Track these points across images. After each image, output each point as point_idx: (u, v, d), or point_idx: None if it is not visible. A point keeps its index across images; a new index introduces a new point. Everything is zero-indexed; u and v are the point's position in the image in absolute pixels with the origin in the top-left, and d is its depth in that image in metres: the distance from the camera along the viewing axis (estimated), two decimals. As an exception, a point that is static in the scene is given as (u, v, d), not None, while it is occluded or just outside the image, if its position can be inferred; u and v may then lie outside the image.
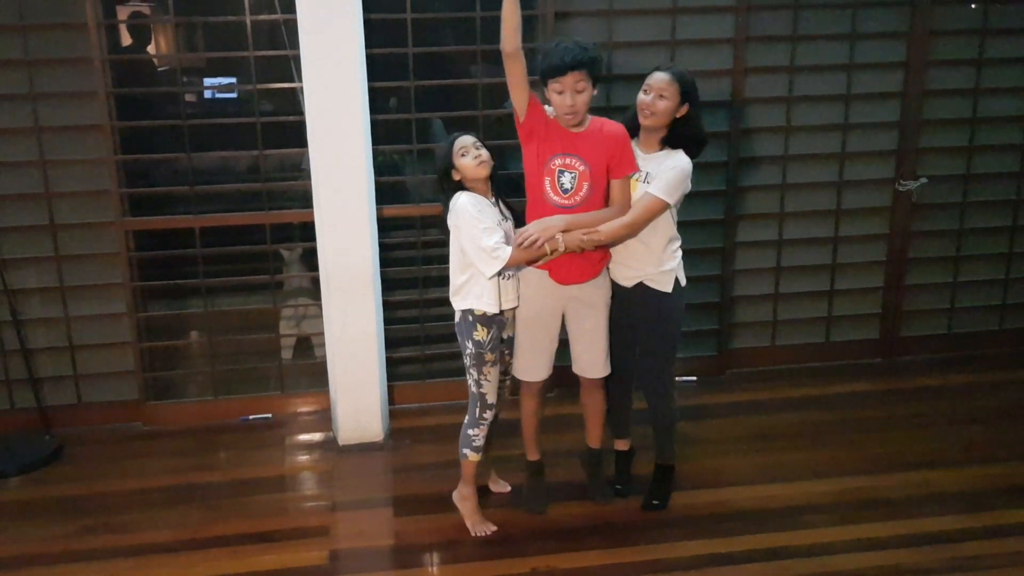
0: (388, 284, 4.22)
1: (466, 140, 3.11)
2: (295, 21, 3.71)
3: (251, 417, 4.34)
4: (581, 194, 3.07)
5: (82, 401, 4.27)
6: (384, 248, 4.19)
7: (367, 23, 3.79)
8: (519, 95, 3.01)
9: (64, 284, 4.13)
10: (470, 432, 3.30)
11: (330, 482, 3.81)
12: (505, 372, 3.40)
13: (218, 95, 4.37)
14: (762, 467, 3.80)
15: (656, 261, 3.19)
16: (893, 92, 4.51)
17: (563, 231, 3.03)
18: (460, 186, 3.12)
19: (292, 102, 4.13)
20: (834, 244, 4.67)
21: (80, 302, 4.17)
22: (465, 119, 4.23)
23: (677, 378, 4.56)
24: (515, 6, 2.89)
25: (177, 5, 3.93)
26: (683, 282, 3.27)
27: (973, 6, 4.48)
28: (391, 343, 4.29)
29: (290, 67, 4.03)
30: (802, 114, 4.48)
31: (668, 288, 3.21)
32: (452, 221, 3.11)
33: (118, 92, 4.01)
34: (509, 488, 3.63)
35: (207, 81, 4.45)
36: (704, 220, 4.51)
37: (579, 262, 3.13)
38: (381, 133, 4.08)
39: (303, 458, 4.04)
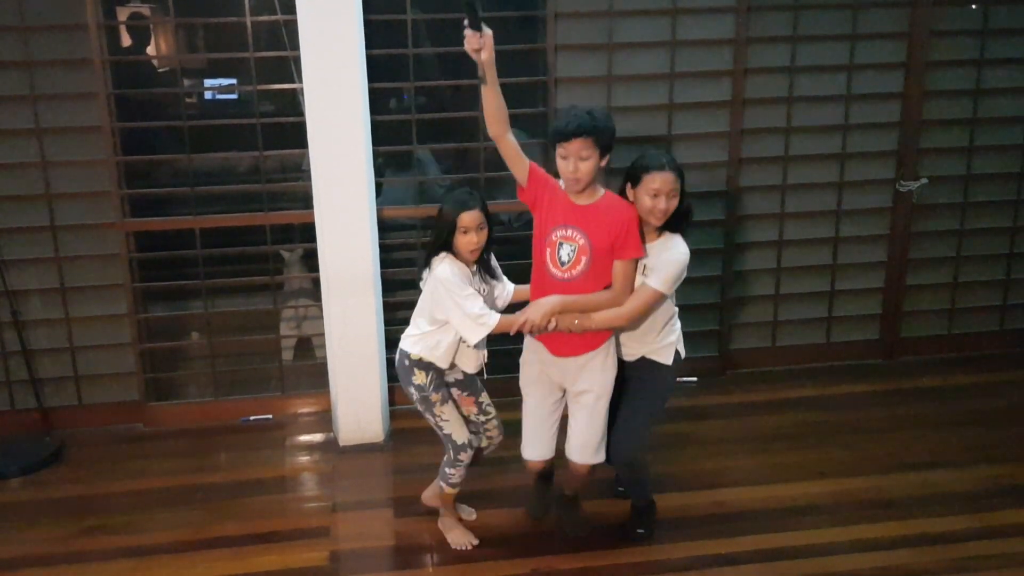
0: (388, 285, 4.22)
1: (470, 220, 2.96)
2: (295, 22, 3.71)
3: (252, 418, 4.34)
4: (579, 268, 2.92)
5: (83, 402, 4.27)
6: (384, 249, 4.19)
7: (367, 24, 3.79)
8: (517, 168, 2.95)
9: (65, 285, 4.13)
10: (447, 471, 3.23)
11: (331, 483, 3.81)
12: (490, 416, 3.34)
13: (218, 96, 4.38)
14: (762, 468, 3.79)
15: (656, 338, 3.11)
16: (894, 93, 4.51)
17: (558, 313, 2.91)
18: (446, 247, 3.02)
19: (292, 103, 4.13)
20: (834, 245, 4.67)
21: (81, 303, 4.17)
22: (467, 120, 4.24)
23: (678, 379, 4.58)
24: (492, 94, 2.88)
25: (177, 6, 3.93)
26: (683, 353, 3.19)
27: (974, 7, 4.48)
28: (391, 344, 4.28)
29: (290, 68, 4.03)
30: (802, 114, 4.48)
31: (668, 360, 3.13)
32: (429, 284, 3.03)
33: (119, 93, 4.01)
34: (474, 516, 3.48)
35: (207, 82, 4.46)
36: (705, 221, 4.51)
37: (575, 336, 2.98)
38: (382, 134, 4.08)
39: (304, 459, 4.04)
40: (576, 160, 2.85)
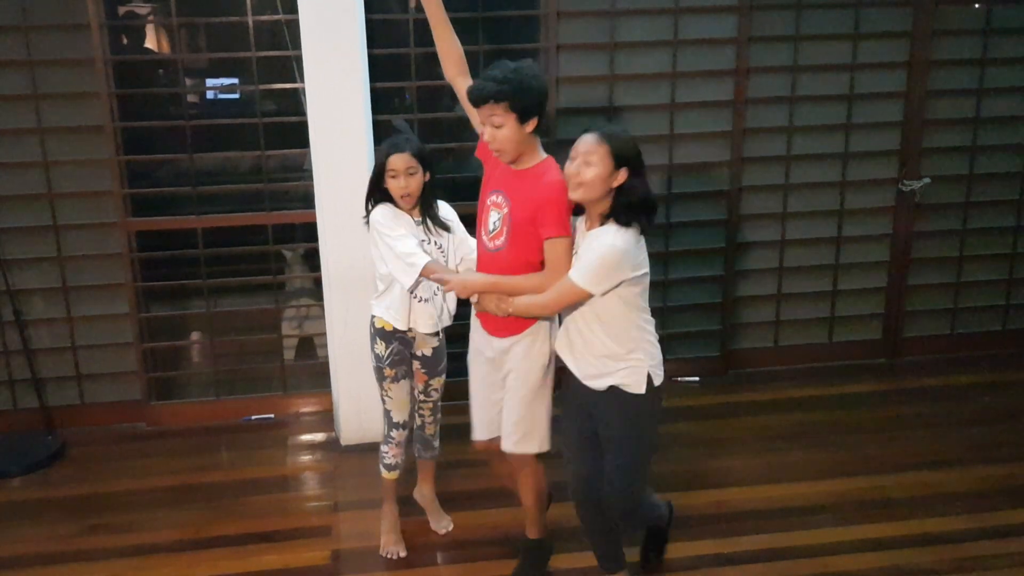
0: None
1: (398, 162, 2.91)
2: (297, 21, 3.71)
3: (253, 417, 4.34)
4: (502, 239, 2.74)
5: (85, 401, 4.27)
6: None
7: (369, 23, 3.79)
8: (473, 118, 2.83)
9: (67, 284, 4.14)
10: (382, 448, 3.22)
11: (332, 482, 3.81)
12: (429, 400, 3.28)
13: (220, 96, 4.38)
14: (765, 467, 3.79)
15: (618, 353, 2.67)
16: (896, 92, 4.50)
17: (481, 292, 2.74)
18: (387, 196, 2.98)
19: (294, 102, 4.13)
20: (837, 244, 4.66)
21: (83, 303, 4.17)
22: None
23: (680, 379, 4.60)
24: (439, 28, 2.87)
25: (179, 5, 3.93)
26: (656, 380, 2.70)
27: (976, 6, 4.48)
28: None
29: (292, 67, 4.03)
30: (805, 114, 4.47)
31: (640, 388, 2.66)
32: (370, 233, 2.99)
33: (120, 93, 4.02)
34: (448, 529, 3.40)
35: (209, 82, 4.46)
36: (707, 220, 4.51)
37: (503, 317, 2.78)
38: (384, 134, 4.08)
39: (305, 458, 4.05)
40: (491, 128, 2.65)
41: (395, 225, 2.92)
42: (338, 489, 3.74)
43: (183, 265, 4.29)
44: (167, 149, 4.22)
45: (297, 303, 4.55)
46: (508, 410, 2.87)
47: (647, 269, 2.64)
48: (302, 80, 3.85)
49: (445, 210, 3.10)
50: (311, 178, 3.96)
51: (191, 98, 4.29)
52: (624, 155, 2.55)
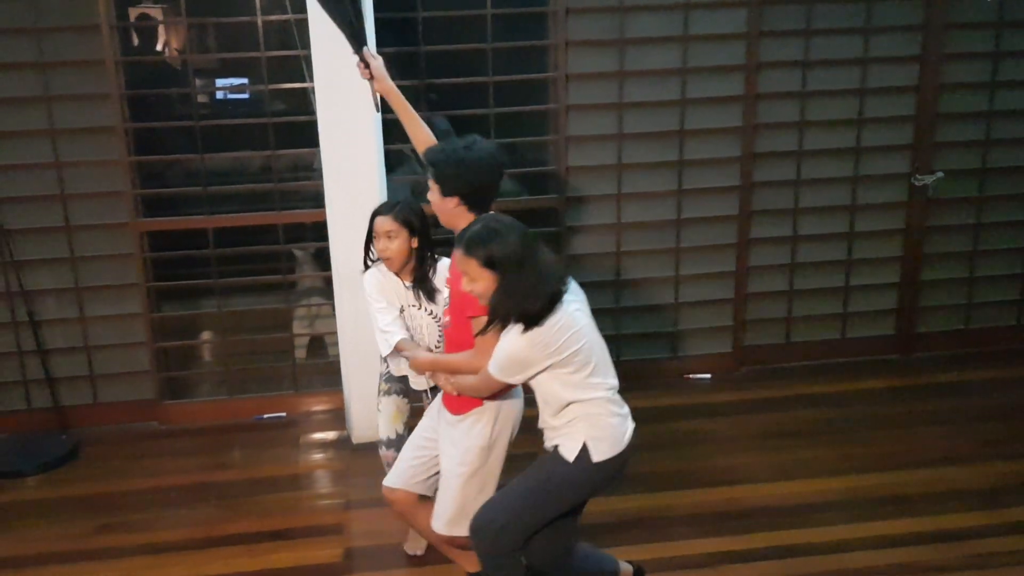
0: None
1: (379, 224, 2.93)
2: (306, 21, 3.72)
3: (265, 416, 4.36)
4: (447, 316, 2.84)
5: (98, 401, 4.29)
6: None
7: (377, 22, 3.79)
8: None
9: (80, 285, 4.16)
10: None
11: (344, 480, 3.81)
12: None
13: (230, 96, 4.39)
14: (777, 464, 3.78)
15: (556, 425, 2.60)
16: (908, 86, 4.47)
17: (426, 370, 2.80)
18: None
19: (303, 102, 4.14)
20: (849, 240, 4.64)
21: (96, 302, 4.19)
22: (476, 118, 4.24)
23: (692, 375, 4.59)
24: (406, 120, 2.96)
25: (189, 6, 3.94)
26: (595, 455, 2.54)
27: (989, -1, 4.45)
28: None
29: (301, 67, 4.04)
30: (816, 109, 4.45)
31: (569, 455, 2.55)
32: None
33: (131, 94, 4.03)
34: (419, 553, 3.27)
35: (219, 82, 4.47)
36: (718, 216, 4.49)
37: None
38: (393, 132, 4.08)
39: (317, 456, 4.05)
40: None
41: (378, 295, 2.98)
42: (350, 487, 3.74)
43: (194, 265, 4.31)
44: (177, 149, 4.23)
45: (308, 302, 4.56)
46: (442, 488, 2.83)
47: (577, 347, 2.47)
48: (311, 79, 3.86)
49: (435, 277, 3.03)
50: (321, 177, 3.97)
51: (201, 98, 4.30)
52: (492, 261, 2.43)
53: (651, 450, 3.91)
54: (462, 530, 2.76)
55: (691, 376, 4.63)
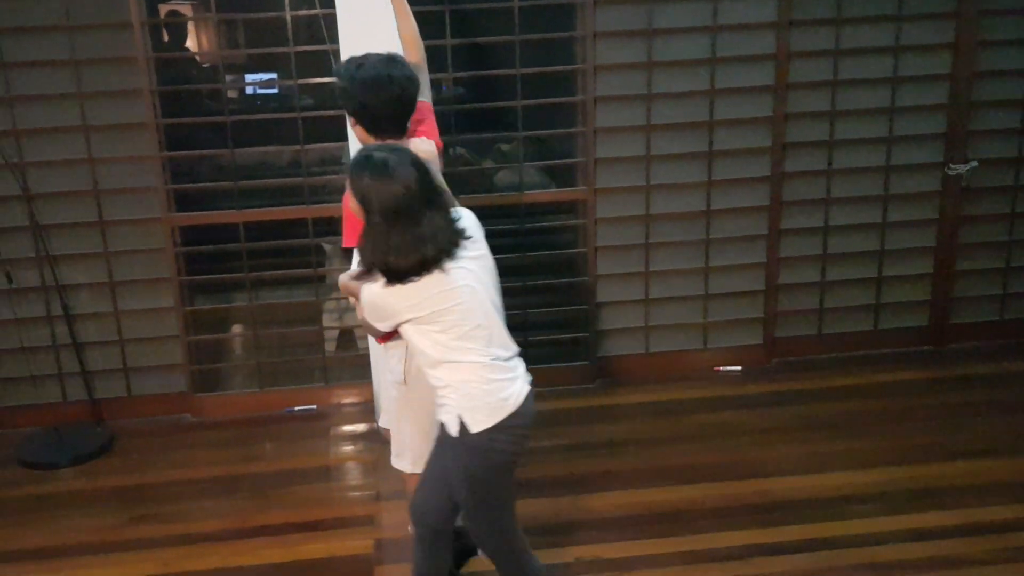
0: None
1: None
2: (334, 15, 3.73)
3: (296, 408, 4.39)
4: None
5: (132, 393, 4.35)
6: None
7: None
8: None
9: (113, 279, 4.21)
10: None
11: (374, 472, 3.83)
12: None
13: (259, 91, 4.42)
14: (808, 456, 3.75)
15: (434, 386, 2.45)
16: (941, 74, 4.40)
17: (344, 292, 2.61)
18: None
19: (332, 96, 4.15)
20: (882, 230, 4.58)
21: (129, 297, 4.24)
22: (503, 110, 4.24)
23: (722, 367, 4.56)
24: (398, 8, 2.86)
25: (218, 2, 3.97)
26: (473, 427, 2.37)
27: (1024, -17, 4.37)
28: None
29: (330, 62, 4.05)
30: (848, 98, 4.39)
31: (452, 430, 2.40)
32: None
33: (163, 90, 4.07)
34: None
35: (248, 77, 4.51)
36: (748, 207, 4.45)
37: None
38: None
39: (348, 448, 4.08)
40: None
41: None
42: (380, 479, 3.76)
43: (225, 259, 4.34)
44: (208, 145, 4.27)
45: (337, 295, 4.58)
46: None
47: (446, 306, 2.32)
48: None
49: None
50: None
51: (231, 93, 4.33)
52: (364, 200, 2.28)
53: (680, 442, 3.91)
54: (402, 464, 2.79)
55: (721, 368, 4.60)
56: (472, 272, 2.39)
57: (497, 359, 2.42)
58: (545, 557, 3.12)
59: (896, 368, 4.53)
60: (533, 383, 2.54)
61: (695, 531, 3.27)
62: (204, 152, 4.31)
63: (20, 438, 4.18)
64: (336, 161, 4.47)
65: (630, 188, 4.38)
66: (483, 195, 4.39)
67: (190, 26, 4.33)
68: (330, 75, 4.01)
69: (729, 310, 4.60)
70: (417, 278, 2.28)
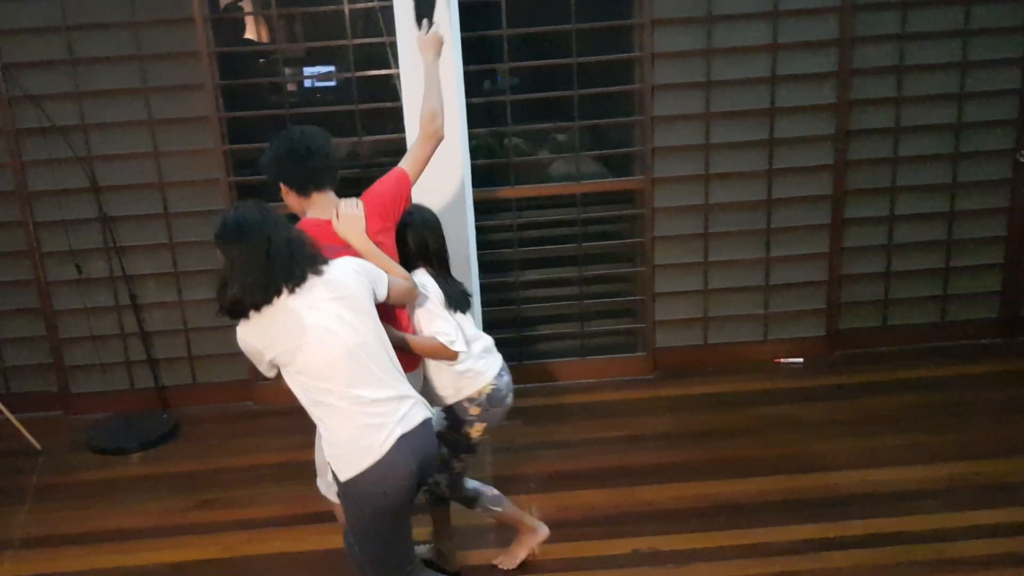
0: (484, 266, 4.24)
1: None
2: (391, 7, 3.75)
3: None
4: None
5: (196, 381, 4.44)
6: (480, 231, 4.20)
7: (461, 6, 3.79)
8: None
9: (178, 269, 4.30)
10: None
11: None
12: None
13: (317, 84, 4.46)
14: (872, 450, 3.67)
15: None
16: (1013, 58, 4.26)
17: None
18: None
19: (389, 88, 4.18)
20: (950, 219, 4.46)
21: (193, 287, 4.33)
22: (560, 100, 4.22)
23: (784, 359, 4.50)
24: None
25: (278, -4, 4.03)
26: (339, 476, 2.35)
27: (1102, -38, 4.20)
28: (487, 326, 4.31)
29: (387, 54, 4.08)
30: (914, 84, 4.28)
31: (338, 476, 2.38)
32: None
33: (224, 84, 4.14)
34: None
35: (307, 70, 4.54)
36: (810, 196, 4.37)
37: None
38: (476, 116, 4.10)
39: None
40: None
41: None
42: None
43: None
44: (268, 138, 4.32)
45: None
46: None
47: (294, 345, 2.31)
48: (397, 66, 3.89)
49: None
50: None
51: (289, 87, 4.38)
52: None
53: (739, 435, 3.86)
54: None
55: (782, 360, 4.53)
56: (330, 312, 2.33)
57: (360, 401, 2.32)
58: (602, 548, 3.13)
59: (964, 361, 4.42)
60: (428, 424, 2.44)
61: (754, 524, 3.23)
62: (265, 145, 4.35)
63: (90, 424, 4.31)
64: (393, 152, 4.48)
65: (689, 177, 4.33)
66: (539, 185, 4.38)
67: (250, 20, 4.38)
68: (387, 67, 4.07)
69: (790, 301, 4.52)
70: (256, 312, 2.31)
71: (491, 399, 2.83)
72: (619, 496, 3.46)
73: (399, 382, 2.40)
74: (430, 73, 2.96)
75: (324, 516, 3.43)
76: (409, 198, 2.88)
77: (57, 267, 4.29)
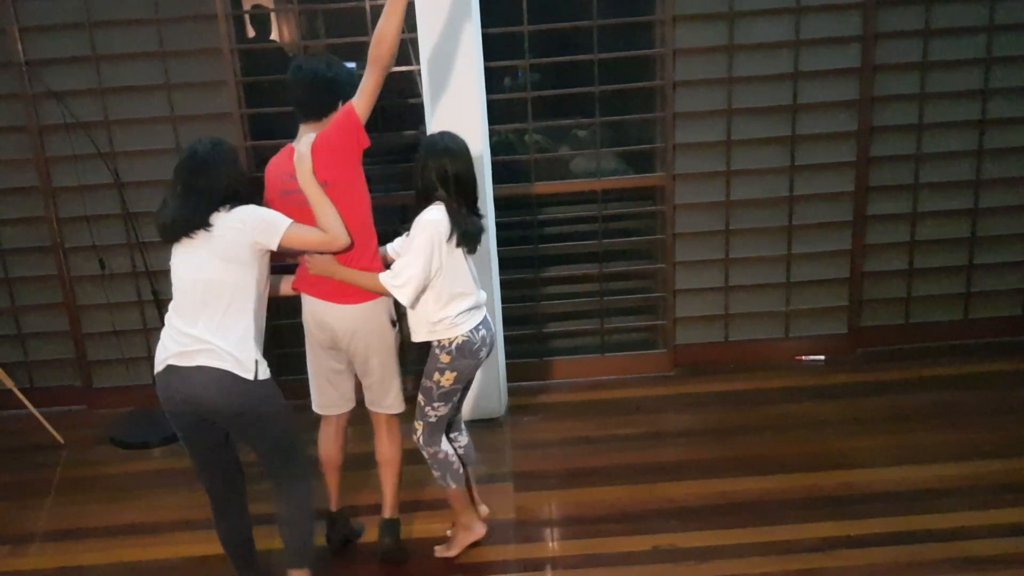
0: (504, 263, 4.24)
1: None
2: (412, 4, 3.75)
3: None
4: None
5: (218, 377, 4.46)
6: (500, 227, 4.21)
7: (482, 3, 3.79)
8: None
9: (200, 266, 4.32)
10: None
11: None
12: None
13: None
14: (895, 448, 3.64)
15: None
16: (1039, 53, 4.23)
17: None
18: None
19: (410, 84, 4.19)
20: (973, 216, 4.42)
21: (215, 283, 4.34)
22: (581, 96, 4.22)
23: (805, 357, 4.49)
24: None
25: (300, -7, 4.04)
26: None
27: None
28: (508, 321, 4.32)
29: (408, 50, 4.09)
30: (938, 80, 4.25)
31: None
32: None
33: (247, 80, 4.16)
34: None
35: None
36: (833, 193, 4.34)
37: None
38: (497, 113, 4.10)
39: (425, 434, 4.11)
40: None
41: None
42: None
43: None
44: (288, 134, 4.33)
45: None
46: None
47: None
48: (417, 62, 3.90)
49: None
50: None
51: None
52: None
53: (761, 432, 3.85)
54: None
55: (804, 358, 4.51)
56: (188, 253, 2.70)
57: (172, 326, 2.70)
58: (622, 545, 3.12)
59: (987, 359, 4.38)
60: (204, 371, 2.64)
61: (774, 522, 3.21)
62: (286, 142, 4.37)
63: (113, 419, 4.35)
64: (412, 149, 4.49)
65: (710, 174, 4.31)
66: (560, 182, 4.37)
67: (273, 17, 4.41)
68: (407, 63, 4.07)
69: (812, 298, 4.50)
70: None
71: (461, 349, 2.89)
72: (639, 493, 3.45)
73: (209, 332, 2.64)
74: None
75: (347, 512, 3.44)
76: (359, 130, 2.84)
77: (81, 262, 4.34)
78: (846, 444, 3.71)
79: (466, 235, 2.84)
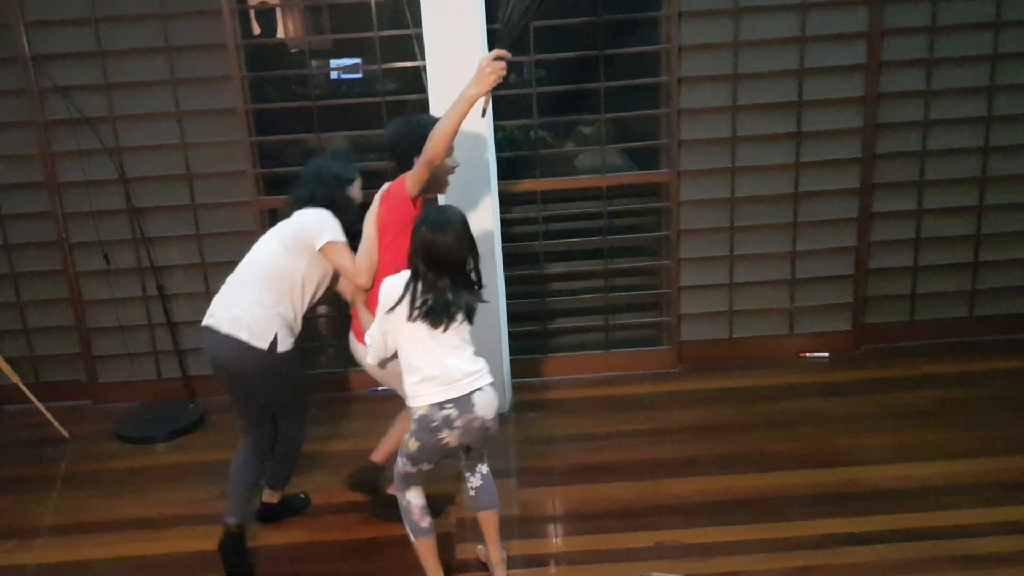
0: (509, 259, 4.24)
1: None
2: (418, 0, 3.75)
3: (379, 388, 4.45)
4: None
5: (223, 372, 4.47)
6: (505, 223, 4.21)
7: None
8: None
9: (205, 261, 4.34)
10: None
11: (455, 453, 3.86)
12: None
13: (343, 76, 4.47)
14: (898, 446, 3.64)
15: None
16: (1046, 49, 4.21)
17: None
18: None
19: (416, 80, 4.19)
20: (979, 213, 4.41)
21: (220, 278, 4.24)
22: (586, 92, 4.21)
23: (809, 353, 4.49)
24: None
25: (305, -12, 4.04)
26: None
27: None
28: (513, 318, 4.32)
29: (413, 46, 4.09)
30: (944, 77, 4.24)
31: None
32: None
33: (252, 76, 4.17)
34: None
35: (333, 62, 4.56)
36: (838, 190, 4.34)
37: None
38: (502, 109, 4.10)
39: (430, 429, 4.11)
40: None
41: None
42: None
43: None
44: (293, 129, 4.35)
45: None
46: None
47: None
48: (423, 58, 3.90)
49: None
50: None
51: (315, 79, 4.40)
52: None
53: (764, 429, 3.84)
54: None
55: (808, 354, 4.51)
56: (273, 230, 3.13)
57: (222, 290, 3.11)
58: (626, 541, 3.13)
59: (992, 356, 4.37)
60: (219, 338, 2.99)
61: (778, 519, 3.21)
62: (292, 136, 4.39)
63: (118, 413, 4.37)
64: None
65: (715, 170, 4.31)
66: (565, 178, 4.37)
67: (278, 13, 4.40)
68: (412, 59, 4.07)
69: (817, 295, 4.49)
70: None
71: (419, 422, 2.72)
72: (643, 489, 3.45)
73: (240, 293, 3.03)
74: (459, 99, 2.82)
75: (349, 506, 3.46)
76: (406, 210, 2.92)
77: (86, 257, 4.35)
78: (850, 441, 3.71)
79: (429, 309, 2.64)
